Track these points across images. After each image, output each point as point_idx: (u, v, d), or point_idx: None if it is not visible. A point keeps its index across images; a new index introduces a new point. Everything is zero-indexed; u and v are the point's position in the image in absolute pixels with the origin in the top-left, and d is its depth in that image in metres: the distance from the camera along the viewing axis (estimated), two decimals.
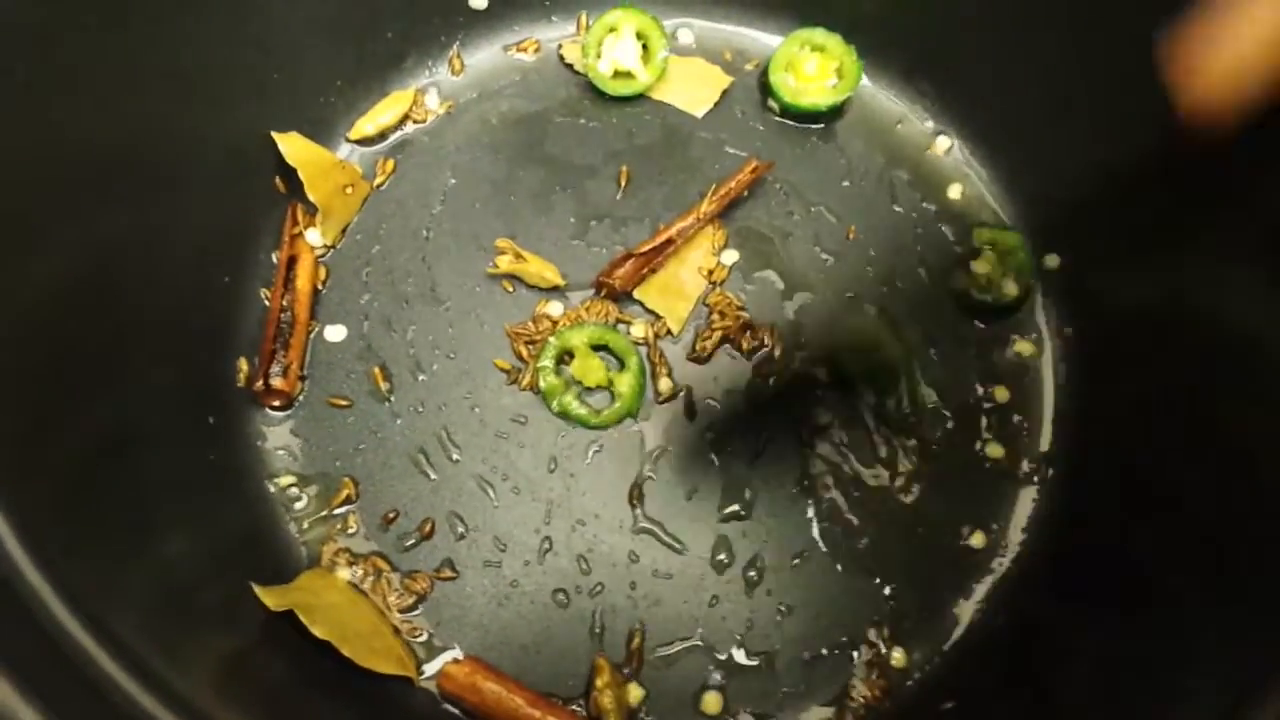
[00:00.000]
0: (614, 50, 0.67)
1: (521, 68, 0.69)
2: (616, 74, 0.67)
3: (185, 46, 0.56)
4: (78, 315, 0.50)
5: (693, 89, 0.69)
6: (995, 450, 0.61)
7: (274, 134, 0.62)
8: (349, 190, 0.65)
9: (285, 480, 0.59)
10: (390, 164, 0.66)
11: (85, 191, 0.50)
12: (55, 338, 0.47)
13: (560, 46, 0.69)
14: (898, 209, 0.67)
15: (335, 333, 0.62)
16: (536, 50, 0.69)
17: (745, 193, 0.66)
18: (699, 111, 0.68)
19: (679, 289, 0.64)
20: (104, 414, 0.49)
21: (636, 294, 0.63)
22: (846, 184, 0.67)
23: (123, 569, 0.41)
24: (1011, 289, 0.64)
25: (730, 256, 0.65)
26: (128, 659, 0.36)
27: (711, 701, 0.55)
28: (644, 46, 0.68)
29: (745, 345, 0.63)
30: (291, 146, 0.62)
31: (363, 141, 0.67)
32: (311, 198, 0.63)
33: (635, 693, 0.55)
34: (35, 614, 0.36)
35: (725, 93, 0.69)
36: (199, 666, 0.40)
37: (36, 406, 0.43)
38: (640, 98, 0.68)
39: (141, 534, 0.47)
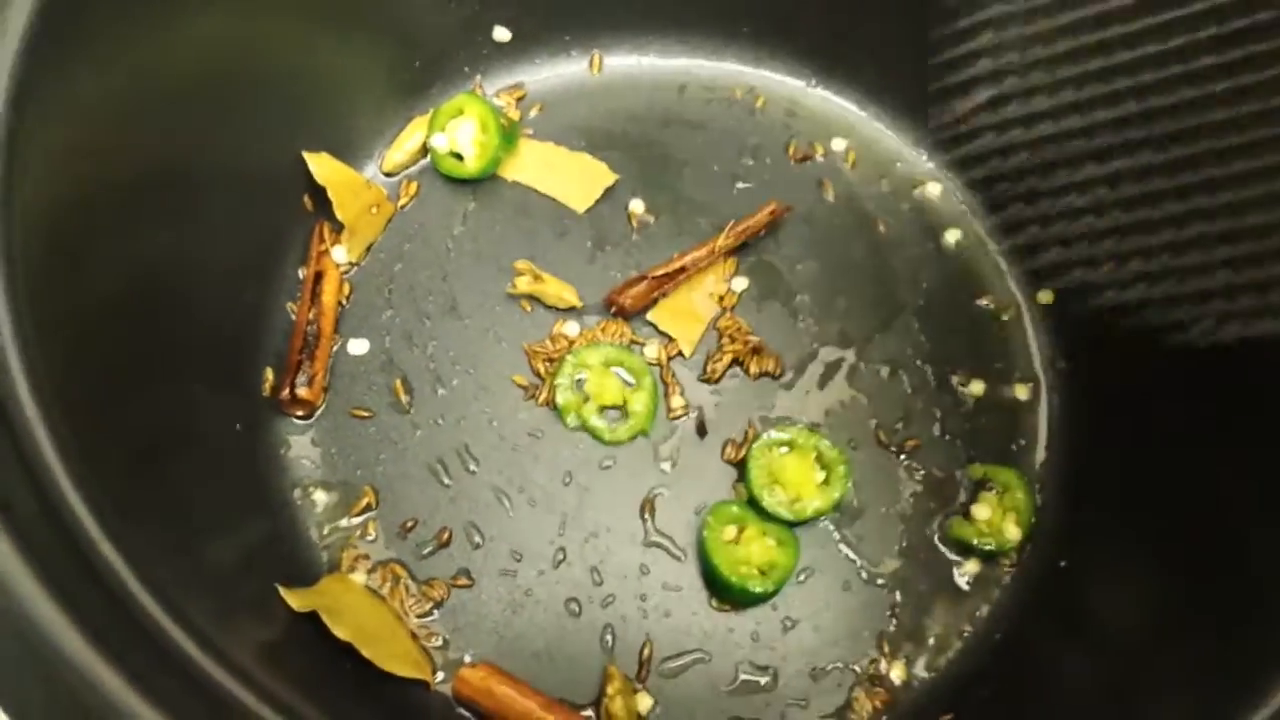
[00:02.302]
0: (455, 132, 0.68)
1: (541, 99, 0.72)
2: (452, 154, 0.68)
3: (220, 71, 0.58)
4: (120, 326, 0.52)
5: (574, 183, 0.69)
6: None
7: (305, 154, 0.64)
8: (374, 210, 0.67)
9: (308, 487, 0.60)
10: (414, 186, 0.69)
11: (127, 212, 0.53)
12: (100, 347, 0.49)
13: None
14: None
15: (358, 346, 0.64)
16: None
17: (762, 232, 0.68)
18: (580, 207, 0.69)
19: (691, 312, 0.66)
20: (144, 418, 0.51)
21: (650, 316, 0.66)
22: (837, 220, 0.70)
23: (170, 560, 0.42)
24: (1014, 533, 0.61)
25: (740, 284, 0.68)
26: (192, 628, 0.38)
27: (720, 716, 0.57)
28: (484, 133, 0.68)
29: (754, 369, 0.65)
30: (321, 166, 0.65)
31: (393, 170, 0.69)
32: (339, 216, 0.65)
33: (645, 701, 0.57)
34: (109, 583, 0.38)
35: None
36: (244, 645, 0.41)
37: (91, 407, 0.45)
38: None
39: (183, 531, 0.49)
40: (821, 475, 0.61)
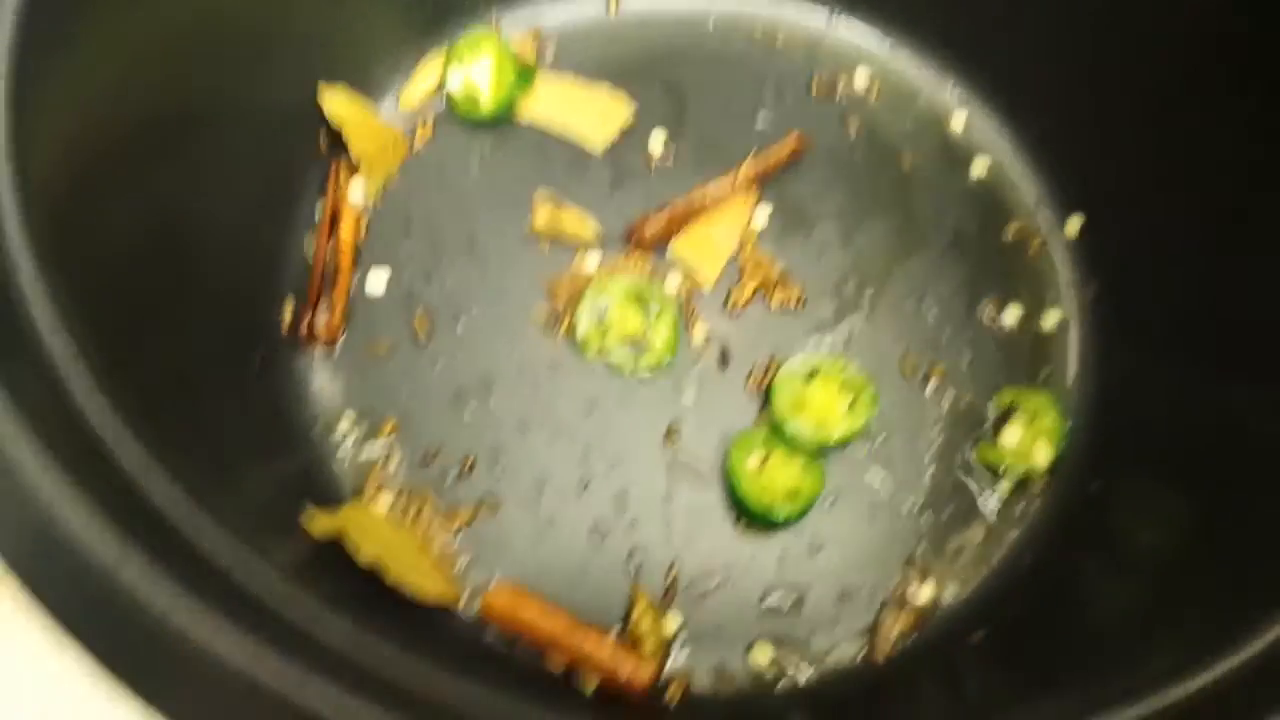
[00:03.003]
0: (470, 70, 0.67)
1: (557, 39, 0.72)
2: (466, 94, 0.68)
3: (231, 6, 0.58)
4: (140, 264, 0.52)
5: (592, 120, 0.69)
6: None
7: (321, 87, 0.64)
8: (390, 148, 0.67)
9: (330, 418, 0.60)
10: (429, 127, 0.69)
11: (142, 151, 0.52)
12: (127, 283, 0.49)
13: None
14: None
15: (377, 281, 0.64)
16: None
17: (784, 164, 0.67)
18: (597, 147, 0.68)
19: (712, 245, 0.66)
20: (168, 352, 0.51)
21: (671, 248, 0.65)
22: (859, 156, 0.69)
23: (202, 482, 0.43)
24: (1044, 457, 0.60)
25: (762, 218, 0.67)
26: (229, 539, 0.40)
27: (747, 636, 0.56)
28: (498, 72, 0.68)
29: (776, 299, 0.64)
30: (336, 103, 0.65)
31: (408, 108, 0.69)
32: (353, 153, 0.65)
33: (672, 622, 0.56)
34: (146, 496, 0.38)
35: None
36: (272, 563, 0.42)
37: (116, 341, 0.45)
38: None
39: (212, 458, 0.49)
40: (847, 401, 0.60)
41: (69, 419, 0.41)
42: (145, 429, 0.42)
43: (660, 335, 0.62)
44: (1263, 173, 0.57)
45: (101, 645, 0.36)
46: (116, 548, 0.37)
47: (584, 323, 0.62)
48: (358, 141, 0.65)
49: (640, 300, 0.63)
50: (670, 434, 0.61)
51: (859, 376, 0.60)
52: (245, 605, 0.40)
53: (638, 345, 0.63)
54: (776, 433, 0.60)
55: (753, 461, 0.59)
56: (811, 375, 0.61)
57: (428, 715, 0.39)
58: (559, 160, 0.68)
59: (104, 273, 0.48)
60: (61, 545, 0.37)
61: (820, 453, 0.60)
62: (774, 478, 0.59)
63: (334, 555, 0.52)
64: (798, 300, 0.64)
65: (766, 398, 0.61)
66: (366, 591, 0.53)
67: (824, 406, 0.60)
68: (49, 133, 0.46)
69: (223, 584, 0.40)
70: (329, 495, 0.58)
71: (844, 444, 0.60)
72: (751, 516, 0.58)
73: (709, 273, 0.65)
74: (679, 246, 0.65)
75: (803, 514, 0.58)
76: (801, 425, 0.59)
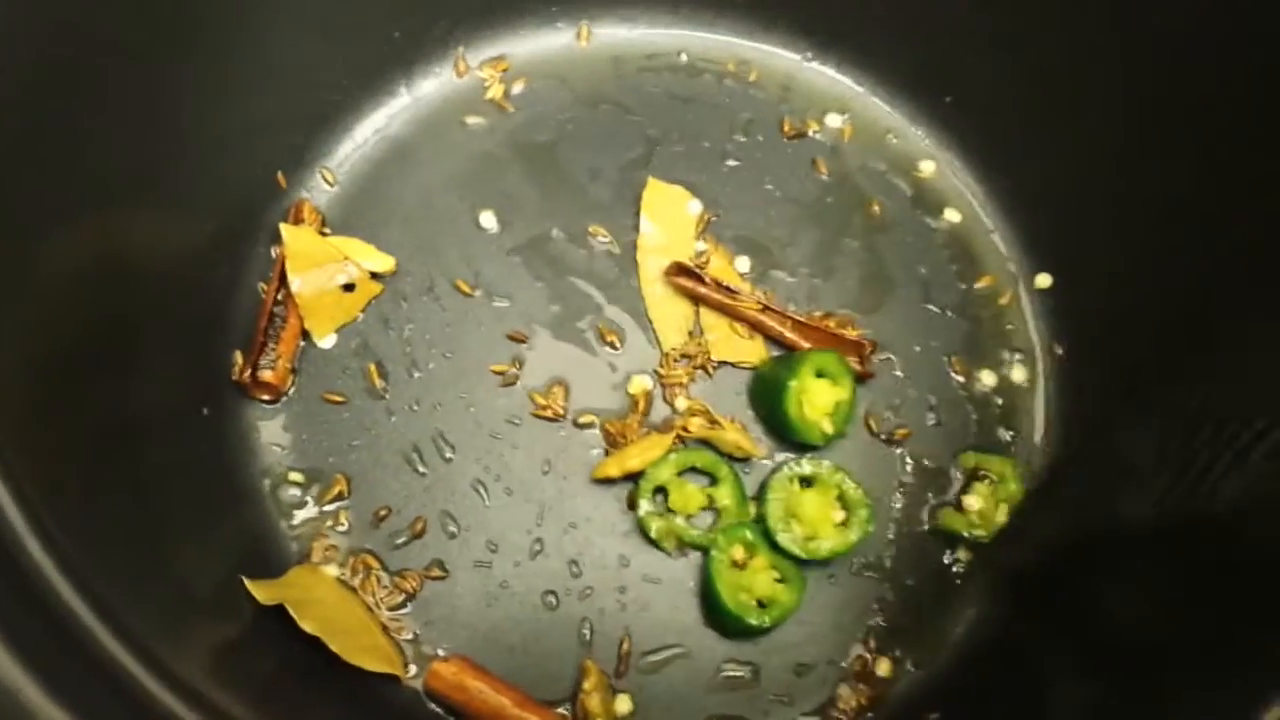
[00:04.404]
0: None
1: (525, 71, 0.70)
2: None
3: (193, 45, 0.56)
4: (84, 299, 0.50)
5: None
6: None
7: (282, 226, 0.62)
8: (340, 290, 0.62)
9: (278, 475, 0.59)
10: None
11: (96, 185, 0.51)
12: (64, 319, 0.48)
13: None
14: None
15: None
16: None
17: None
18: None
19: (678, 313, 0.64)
20: (106, 398, 0.50)
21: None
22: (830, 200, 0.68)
23: (123, 553, 0.41)
24: (1003, 517, 0.59)
25: (743, 264, 0.66)
26: (130, 640, 0.37)
27: (701, 712, 0.55)
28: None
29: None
30: (293, 238, 0.61)
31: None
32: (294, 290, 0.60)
33: (623, 704, 0.55)
34: (40, 590, 0.36)
35: None
36: (195, 652, 0.40)
37: (45, 386, 0.43)
38: None
39: (140, 521, 0.47)
40: (841, 515, 0.58)
41: None
42: (55, 491, 0.40)
43: (727, 497, 0.59)
44: (1235, 234, 0.56)
45: None
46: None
47: (653, 519, 0.58)
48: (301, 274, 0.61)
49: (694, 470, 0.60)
50: (628, 495, 0.59)
51: (857, 491, 0.58)
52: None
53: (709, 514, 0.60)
54: (765, 534, 0.57)
55: (737, 554, 0.57)
56: (808, 481, 0.59)
57: None
58: (526, 188, 0.66)
59: (36, 306, 0.46)
60: None
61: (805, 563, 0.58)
62: (754, 580, 0.56)
63: (275, 624, 0.51)
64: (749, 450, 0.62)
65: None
66: (308, 663, 0.51)
67: (817, 518, 0.57)
68: None
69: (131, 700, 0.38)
70: (274, 558, 0.56)
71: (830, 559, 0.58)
72: (723, 619, 0.56)
73: (673, 338, 0.63)
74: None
75: (774, 626, 0.56)
76: (791, 536, 0.57)
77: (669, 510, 0.58)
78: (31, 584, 0.36)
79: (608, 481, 0.59)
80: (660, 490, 0.58)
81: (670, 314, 0.64)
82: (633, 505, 0.59)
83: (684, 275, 0.63)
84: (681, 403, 0.61)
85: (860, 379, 0.62)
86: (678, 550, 0.58)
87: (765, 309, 0.63)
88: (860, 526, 0.57)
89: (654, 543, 0.58)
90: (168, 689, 0.36)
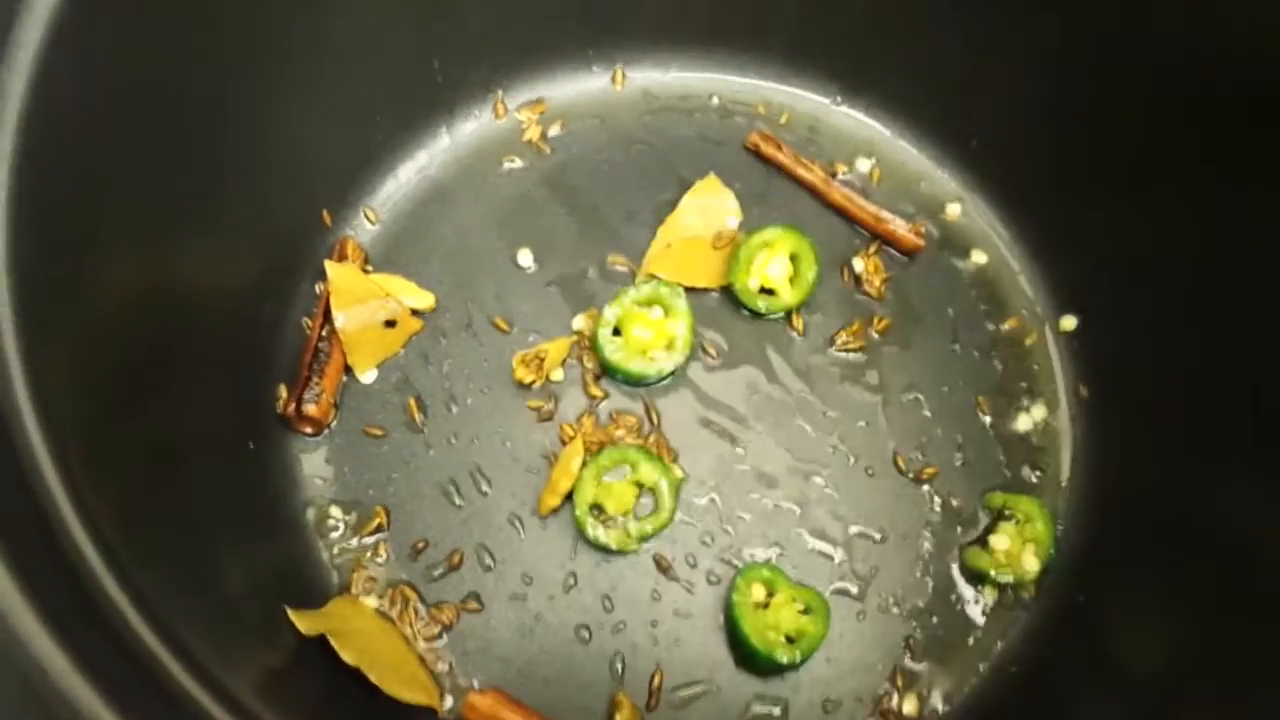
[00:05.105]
0: (766, 266, 0.66)
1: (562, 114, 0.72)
2: (762, 289, 0.66)
3: (249, 90, 0.58)
4: (138, 329, 0.52)
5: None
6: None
7: (327, 263, 0.64)
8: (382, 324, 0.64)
9: (320, 506, 0.60)
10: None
11: (151, 221, 0.53)
12: (118, 348, 0.49)
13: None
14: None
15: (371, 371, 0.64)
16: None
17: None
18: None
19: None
20: (158, 425, 0.51)
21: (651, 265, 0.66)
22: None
23: (176, 574, 0.42)
24: (1032, 565, 0.60)
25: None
26: (187, 657, 0.38)
27: None
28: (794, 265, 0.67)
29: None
30: (338, 274, 0.64)
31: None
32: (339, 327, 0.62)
33: None
34: (102, 606, 0.37)
35: None
36: (246, 672, 0.41)
37: (104, 411, 0.45)
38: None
39: (191, 545, 0.49)
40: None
41: (30, 508, 0.39)
42: (115, 517, 0.41)
43: (665, 490, 0.60)
44: (1262, 273, 0.57)
45: None
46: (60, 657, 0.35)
47: (588, 525, 0.60)
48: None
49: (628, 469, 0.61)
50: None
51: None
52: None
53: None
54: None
55: (758, 595, 0.58)
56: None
57: None
58: (561, 227, 0.68)
59: (93, 343, 0.47)
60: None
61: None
62: (779, 617, 0.57)
63: (317, 653, 0.52)
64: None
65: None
66: (348, 693, 0.53)
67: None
68: (41, 187, 0.44)
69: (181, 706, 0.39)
70: (314, 587, 0.58)
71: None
72: (751, 659, 0.57)
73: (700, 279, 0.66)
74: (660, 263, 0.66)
75: (805, 659, 0.57)
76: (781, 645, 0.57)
77: (614, 519, 0.60)
78: (93, 599, 0.38)
79: None
80: (594, 505, 0.60)
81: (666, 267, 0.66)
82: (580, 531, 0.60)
83: (765, 141, 0.70)
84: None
85: (908, 253, 0.69)
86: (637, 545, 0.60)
87: (829, 179, 0.69)
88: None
89: (620, 552, 0.59)
90: (222, 706, 0.38)
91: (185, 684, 0.38)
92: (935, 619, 0.60)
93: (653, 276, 0.65)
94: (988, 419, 0.65)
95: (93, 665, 0.35)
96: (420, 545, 0.60)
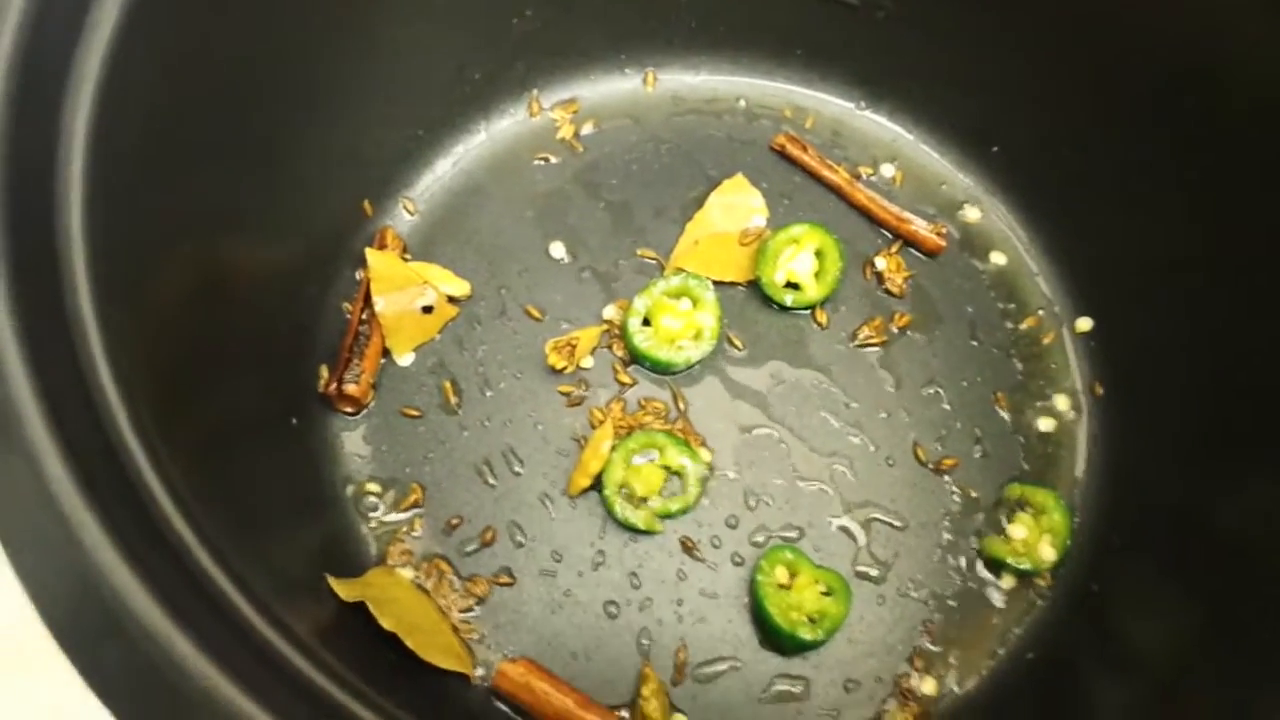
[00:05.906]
0: (791, 261, 0.68)
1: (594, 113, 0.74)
2: (788, 284, 0.68)
3: (297, 90, 0.60)
4: (190, 315, 0.53)
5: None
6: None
7: (367, 251, 0.66)
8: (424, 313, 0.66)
9: (358, 483, 0.62)
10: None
11: (202, 213, 0.54)
12: (173, 333, 0.51)
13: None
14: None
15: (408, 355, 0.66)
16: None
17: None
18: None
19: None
20: (213, 403, 0.53)
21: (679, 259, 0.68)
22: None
23: (234, 539, 0.44)
24: (1049, 554, 0.61)
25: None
26: (252, 596, 0.41)
27: None
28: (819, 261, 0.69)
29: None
30: (378, 261, 0.66)
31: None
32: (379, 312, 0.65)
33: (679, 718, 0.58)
34: (183, 554, 0.40)
35: None
36: (301, 621, 0.43)
37: (165, 389, 0.47)
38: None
39: (244, 513, 0.50)
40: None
41: (114, 467, 0.42)
42: (183, 479, 0.43)
43: (692, 475, 0.62)
44: (1277, 274, 0.58)
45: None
46: (141, 592, 0.37)
47: (618, 504, 0.62)
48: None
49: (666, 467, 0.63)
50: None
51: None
52: (273, 669, 0.41)
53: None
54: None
55: (780, 576, 0.60)
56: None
57: None
58: (592, 222, 0.70)
59: (158, 324, 0.49)
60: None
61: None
62: (802, 598, 0.59)
63: (356, 619, 0.54)
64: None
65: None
66: (385, 656, 0.54)
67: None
68: (117, 189, 0.46)
69: (254, 649, 0.41)
70: (354, 558, 0.60)
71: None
72: (776, 637, 0.58)
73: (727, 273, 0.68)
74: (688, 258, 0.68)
75: (828, 638, 0.58)
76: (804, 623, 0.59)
77: (641, 500, 0.61)
78: (175, 548, 0.40)
79: None
80: (623, 486, 0.61)
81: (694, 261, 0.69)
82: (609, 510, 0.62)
83: (791, 142, 0.72)
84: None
85: (929, 253, 0.70)
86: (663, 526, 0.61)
87: (853, 180, 0.71)
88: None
89: (647, 532, 0.61)
90: (286, 640, 0.40)
91: (250, 616, 0.40)
92: (954, 604, 0.62)
93: (681, 270, 0.68)
94: (1006, 414, 0.67)
95: (171, 600, 0.37)
96: (454, 522, 0.62)
